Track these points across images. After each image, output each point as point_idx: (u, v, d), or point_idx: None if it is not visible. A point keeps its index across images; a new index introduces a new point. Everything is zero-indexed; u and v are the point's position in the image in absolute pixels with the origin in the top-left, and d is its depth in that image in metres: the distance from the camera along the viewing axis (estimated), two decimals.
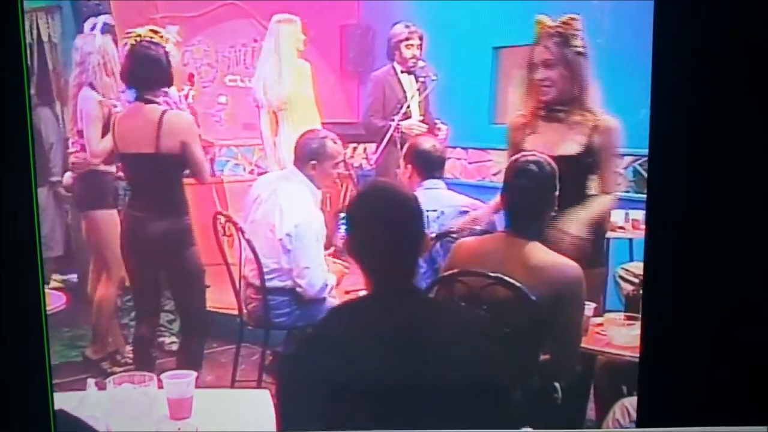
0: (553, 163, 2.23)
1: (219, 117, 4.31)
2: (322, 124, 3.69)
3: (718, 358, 2.11)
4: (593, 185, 2.55)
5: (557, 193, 2.24)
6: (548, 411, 2.21)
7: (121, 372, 2.21)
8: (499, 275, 2.09)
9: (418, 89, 3.76)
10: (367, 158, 4.46)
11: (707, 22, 2.01)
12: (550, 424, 2.23)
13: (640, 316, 2.15)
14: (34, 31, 3.42)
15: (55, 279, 3.19)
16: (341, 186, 4.29)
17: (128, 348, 3.10)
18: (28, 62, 2.02)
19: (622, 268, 3.09)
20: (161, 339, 3.28)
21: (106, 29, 3.09)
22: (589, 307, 2.51)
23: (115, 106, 3.00)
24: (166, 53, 2.77)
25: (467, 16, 4.02)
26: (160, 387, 1.98)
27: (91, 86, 3.01)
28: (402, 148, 3.56)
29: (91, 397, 2.02)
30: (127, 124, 2.83)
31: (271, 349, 2.87)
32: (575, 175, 2.46)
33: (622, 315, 2.56)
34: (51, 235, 3.25)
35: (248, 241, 2.80)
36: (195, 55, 4.19)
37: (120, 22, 3.29)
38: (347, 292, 2.69)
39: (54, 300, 2.52)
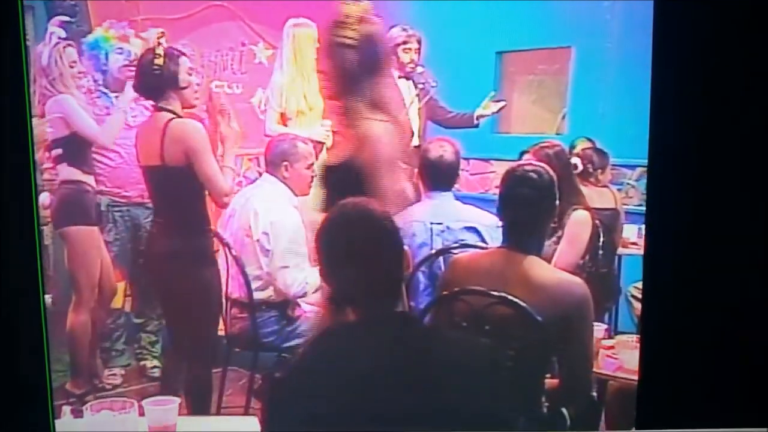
0: (552, 172, 2.24)
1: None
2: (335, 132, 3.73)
3: (718, 360, 2.17)
4: None
5: (557, 203, 2.24)
6: None
7: (99, 398, 2.21)
8: (503, 295, 2.09)
9: (417, 95, 3.77)
10: None
11: (707, 28, 2.06)
12: None
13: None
14: None
15: None
16: None
17: (106, 373, 3.09)
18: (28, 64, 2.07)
19: (635, 287, 3.10)
20: (143, 363, 3.28)
21: (62, 30, 3.08)
22: (599, 329, 2.52)
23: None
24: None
25: (468, 19, 4.05)
26: (141, 414, 1.97)
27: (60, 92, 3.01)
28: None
29: (67, 425, 2.02)
30: (142, 135, 2.84)
31: (260, 372, 2.87)
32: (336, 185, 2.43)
33: (635, 337, 2.56)
34: None
35: (235, 258, 2.82)
36: None
37: (98, 24, 3.31)
38: None
39: None
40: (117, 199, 3.21)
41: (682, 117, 2.10)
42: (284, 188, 2.91)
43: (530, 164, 2.27)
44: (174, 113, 2.72)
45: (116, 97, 3.15)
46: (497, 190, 2.28)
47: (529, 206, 2.18)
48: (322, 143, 3.58)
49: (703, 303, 2.16)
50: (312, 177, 2.97)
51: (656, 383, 2.21)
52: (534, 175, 2.19)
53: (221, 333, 2.94)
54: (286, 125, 3.55)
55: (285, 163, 2.90)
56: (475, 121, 3.74)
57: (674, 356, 2.19)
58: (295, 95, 3.56)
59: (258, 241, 2.84)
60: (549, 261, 2.61)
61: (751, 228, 2.15)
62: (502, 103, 3.76)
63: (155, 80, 2.72)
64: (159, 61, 2.72)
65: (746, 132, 2.11)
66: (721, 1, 2.07)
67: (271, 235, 2.83)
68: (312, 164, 2.96)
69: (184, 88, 2.76)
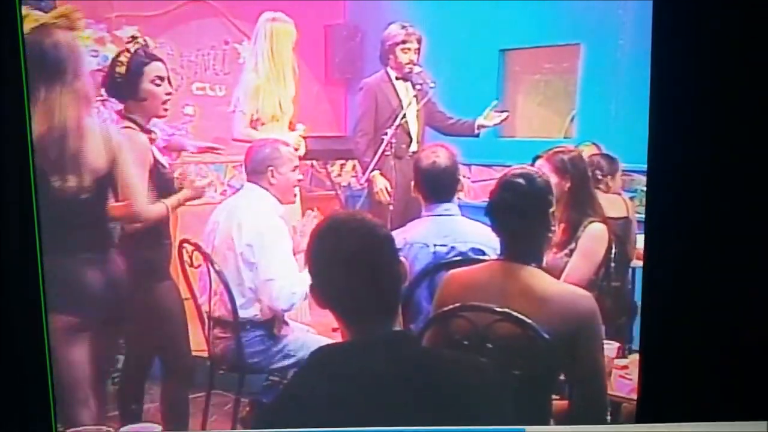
0: (546, 177, 2.27)
1: (185, 131, 4.32)
2: (308, 137, 3.73)
3: (718, 354, 2.30)
4: None
5: (552, 209, 2.26)
6: None
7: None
8: (507, 311, 2.11)
9: (415, 97, 3.79)
10: (356, 177, 4.50)
11: (709, 30, 2.13)
12: None
13: None
14: None
15: None
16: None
17: None
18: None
19: None
20: (116, 387, 3.28)
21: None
22: (612, 347, 2.54)
23: None
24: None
25: (469, 14, 4.07)
26: None
27: None
28: (395, 164, 3.64)
29: None
30: None
31: (246, 396, 2.89)
32: None
33: None
34: None
35: (218, 273, 2.83)
36: None
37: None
38: (335, 330, 2.74)
39: None
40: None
41: (683, 119, 2.17)
42: (269, 197, 2.94)
43: (522, 169, 2.29)
44: (135, 123, 2.77)
45: None
46: None
47: (523, 214, 2.21)
48: (296, 148, 3.61)
49: (702, 299, 2.28)
50: (298, 181, 3.01)
51: (656, 378, 2.27)
52: (522, 181, 2.22)
53: (203, 354, 2.95)
54: (256, 130, 3.56)
55: (270, 168, 2.93)
56: (476, 131, 3.78)
57: (674, 350, 2.30)
58: (271, 99, 3.57)
59: (241, 254, 2.87)
60: (559, 275, 2.64)
61: (750, 230, 2.23)
62: (504, 115, 3.79)
63: (117, 88, 2.80)
64: (120, 69, 2.78)
65: (754, 138, 2.18)
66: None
67: (256, 247, 2.86)
68: (297, 167, 3.00)
69: (144, 99, 2.82)
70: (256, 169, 2.96)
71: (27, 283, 2.28)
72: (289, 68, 3.61)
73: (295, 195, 3.05)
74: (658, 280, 2.31)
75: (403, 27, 3.77)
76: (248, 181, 3.01)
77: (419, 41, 3.79)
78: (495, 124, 3.80)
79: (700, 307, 2.28)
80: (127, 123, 2.77)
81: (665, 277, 2.29)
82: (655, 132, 2.21)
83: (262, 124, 3.54)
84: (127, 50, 2.82)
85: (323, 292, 1.71)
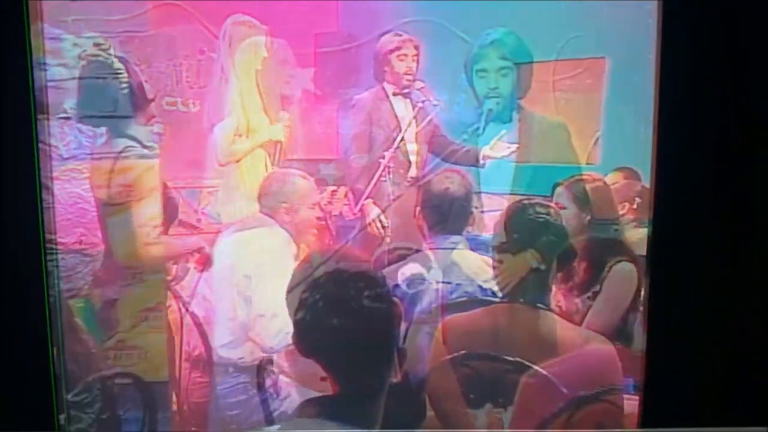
0: (559, 211, 2.27)
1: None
2: (289, 160, 3.74)
3: (719, 359, 2.40)
4: None
5: (567, 247, 2.26)
6: None
7: None
8: (519, 360, 2.11)
9: (415, 117, 3.81)
10: (349, 205, 4.50)
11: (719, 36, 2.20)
12: None
13: None
14: None
15: None
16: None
17: None
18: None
19: None
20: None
21: None
22: (634, 403, 2.54)
23: None
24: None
25: (479, 23, 4.09)
26: None
27: None
28: (393, 191, 3.65)
29: None
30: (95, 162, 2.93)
31: None
32: None
33: None
34: None
35: (192, 314, 2.83)
36: None
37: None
38: (323, 379, 2.74)
39: None
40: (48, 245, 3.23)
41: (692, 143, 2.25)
42: (283, 232, 2.97)
43: (536, 201, 2.30)
44: (135, 140, 2.74)
45: None
46: None
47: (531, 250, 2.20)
48: (281, 142, 3.62)
49: (704, 304, 2.38)
50: (317, 219, 3.02)
51: (659, 382, 2.37)
52: (532, 214, 2.22)
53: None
54: (236, 144, 3.59)
55: (284, 205, 2.93)
56: (481, 161, 3.79)
57: (676, 356, 2.39)
58: (246, 111, 3.62)
59: (237, 285, 2.88)
60: (581, 320, 2.64)
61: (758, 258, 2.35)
62: (514, 146, 3.81)
63: (121, 102, 2.75)
64: (124, 78, 2.70)
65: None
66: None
67: (254, 279, 2.87)
68: (315, 203, 3.05)
69: (153, 99, 2.79)
70: (269, 204, 3.02)
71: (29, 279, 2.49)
72: (254, 76, 3.66)
73: (313, 232, 3.07)
74: (660, 286, 2.39)
75: (397, 35, 3.80)
76: (261, 212, 3.06)
77: (417, 48, 3.82)
78: (503, 156, 3.81)
79: (701, 311, 2.36)
80: (129, 141, 2.81)
81: (667, 284, 2.39)
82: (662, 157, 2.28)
83: (239, 135, 3.56)
84: (110, 55, 2.75)
85: (306, 340, 1.71)
